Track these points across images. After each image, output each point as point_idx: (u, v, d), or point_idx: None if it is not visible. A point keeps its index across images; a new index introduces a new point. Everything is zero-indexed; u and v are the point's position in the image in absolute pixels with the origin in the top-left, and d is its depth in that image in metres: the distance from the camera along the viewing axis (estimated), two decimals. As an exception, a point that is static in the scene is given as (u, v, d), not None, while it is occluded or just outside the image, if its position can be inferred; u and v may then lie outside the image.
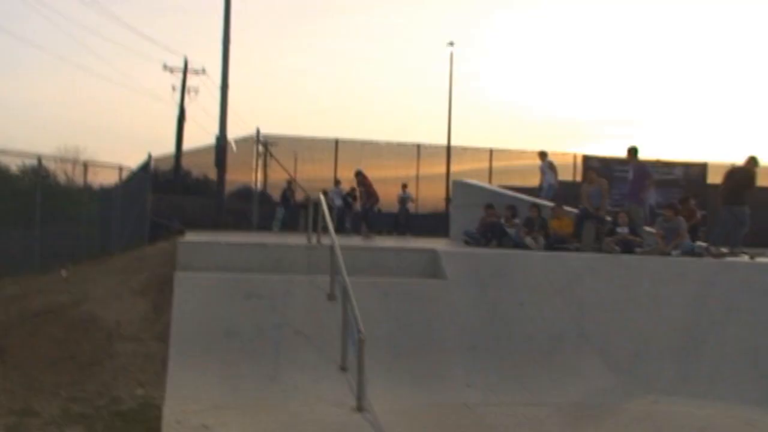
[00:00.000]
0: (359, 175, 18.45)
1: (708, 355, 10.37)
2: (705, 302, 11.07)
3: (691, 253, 12.77)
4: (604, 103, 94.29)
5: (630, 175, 14.55)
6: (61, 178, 21.70)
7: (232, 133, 24.48)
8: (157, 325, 9.25)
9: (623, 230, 13.17)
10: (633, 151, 14.65)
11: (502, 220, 14.55)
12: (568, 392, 9.27)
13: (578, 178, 24.66)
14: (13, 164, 16.50)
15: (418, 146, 27.10)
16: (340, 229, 16.21)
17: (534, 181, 24.56)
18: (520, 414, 8.45)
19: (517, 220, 14.54)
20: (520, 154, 26.61)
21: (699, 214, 15.87)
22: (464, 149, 27.85)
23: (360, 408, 7.96)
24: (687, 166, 27.15)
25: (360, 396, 8.00)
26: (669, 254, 12.63)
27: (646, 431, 8.26)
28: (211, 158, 23.28)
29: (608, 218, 14.20)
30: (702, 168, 27.16)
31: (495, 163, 27.69)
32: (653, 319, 10.82)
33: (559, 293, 10.86)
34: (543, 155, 19.58)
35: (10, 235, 15.04)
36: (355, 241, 9.36)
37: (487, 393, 9.03)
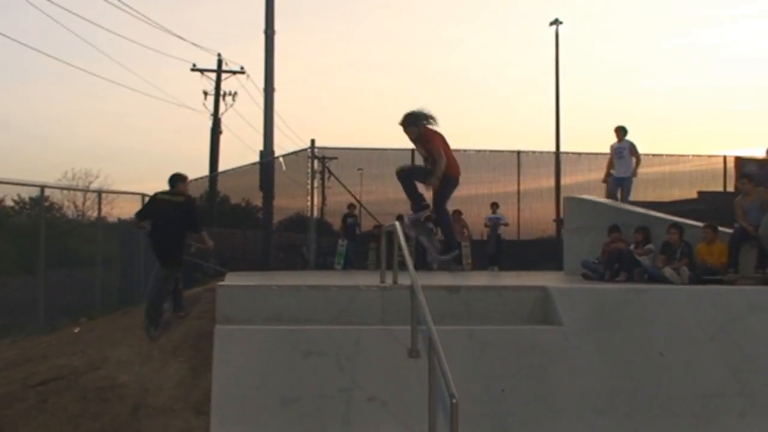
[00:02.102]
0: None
1: None
2: None
3: None
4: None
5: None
6: (70, 211, 22.33)
7: (280, 148, 24.70)
8: (194, 393, 9.39)
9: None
10: None
11: (632, 247, 14.38)
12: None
13: (730, 188, 24.21)
14: (11, 196, 17.04)
15: (518, 153, 26.95)
16: (420, 265, 16.09)
17: (677, 193, 24.15)
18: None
19: (651, 246, 14.34)
20: (653, 159, 26.31)
21: None
22: (578, 156, 27.61)
23: (454, 494, 7.90)
24: None
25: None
26: None
27: None
28: (255, 180, 23.53)
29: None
30: None
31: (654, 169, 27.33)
32: None
33: (711, 340, 10.63)
34: (623, 132, 19.31)
35: (8, 284, 15.44)
36: (442, 278, 9.35)
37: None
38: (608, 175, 19.54)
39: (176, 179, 12.73)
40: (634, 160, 19.19)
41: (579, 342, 10.35)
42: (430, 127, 12.43)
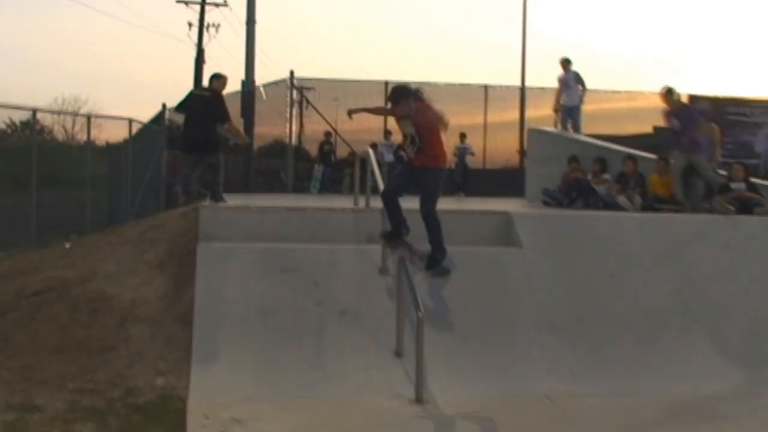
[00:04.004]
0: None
1: None
2: None
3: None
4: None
5: (674, 123, 14.30)
6: (60, 134, 22.16)
7: (261, 78, 24.54)
8: (178, 305, 9.47)
9: (739, 186, 13.04)
10: (669, 93, 14.42)
11: (590, 176, 14.50)
12: (669, 381, 9.25)
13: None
14: (3, 120, 16.89)
15: (485, 87, 26.93)
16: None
17: (628, 128, 24.32)
18: (611, 407, 8.48)
19: (607, 176, 14.48)
20: (611, 95, 26.35)
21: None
22: (542, 90, 27.54)
23: (419, 399, 8.08)
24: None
25: (419, 385, 8.12)
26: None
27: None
28: (237, 108, 23.44)
29: (720, 172, 14.05)
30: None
31: (585, 107, 27.59)
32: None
33: (659, 263, 10.80)
34: (567, 63, 19.31)
35: (2, 203, 15.40)
36: (413, 202, 9.44)
37: (571, 382, 9.06)
38: (557, 104, 19.60)
39: (212, 77, 13.38)
40: (580, 88, 19.18)
41: (536, 263, 10.49)
42: (420, 101, 9.31)
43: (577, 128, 18.87)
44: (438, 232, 9.46)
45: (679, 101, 14.71)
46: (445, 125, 9.46)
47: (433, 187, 9.32)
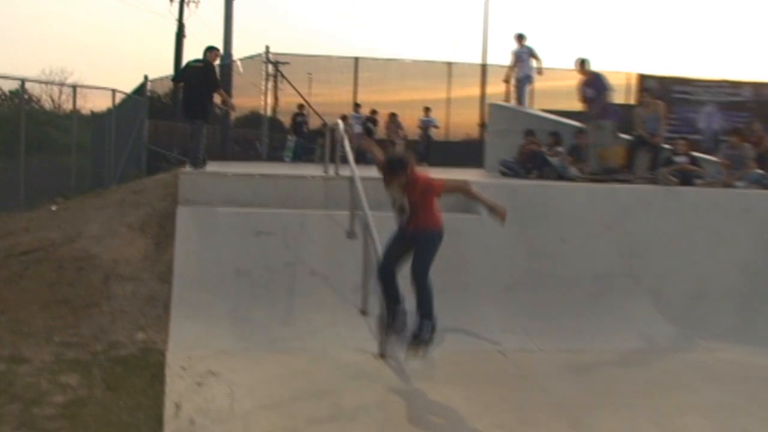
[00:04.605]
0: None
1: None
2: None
3: (759, 184, 12.74)
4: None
5: (589, 92, 14.47)
6: (47, 103, 21.90)
7: (239, 53, 24.43)
8: (158, 264, 9.46)
9: (682, 159, 13.17)
10: (583, 64, 14.60)
11: (545, 149, 14.57)
12: (614, 338, 9.42)
13: (633, 101, 24.46)
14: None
15: (449, 65, 26.94)
16: (361, 159, 16.15)
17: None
18: (560, 361, 8.62)
19: (561, 149, 14.55)
20: (566, 73, 26.36)
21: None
22: (502, 68, 27.59)
23: (382, 354, 8.16)
24: (757, 86, 26.72)
25: (382, 341, 8.18)
26: (733, 186, 12.61)
27: (702, 381, 8.37)
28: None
29: (665, 146, 14.18)
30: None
31: (538, 85, 27.60)
32: (713, 259, 10.91)
33: (606, 229, 10.93)
34: (521, 38, 19.30)
35: (-8, 168, 15.25)
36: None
37: (524, 338, 9.20)
38: (509, 75, 19.59)
39: (207, 49, 13.29)
40: (534, 61, 19.16)
41: (493, 229, 10.52)
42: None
43: (521, 100, 18.90)
44: (428, 301, 7.65)
45: (591, 71, 14.92)
46: (443, 189, 7.82)
47: (426, 251, 7.67)
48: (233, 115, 24.26)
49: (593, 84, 14.65)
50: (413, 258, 7.65)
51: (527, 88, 19.13)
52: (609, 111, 14.55)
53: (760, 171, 13.16)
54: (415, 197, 7.61)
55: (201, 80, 12.85)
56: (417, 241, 7.66)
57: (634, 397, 7.56)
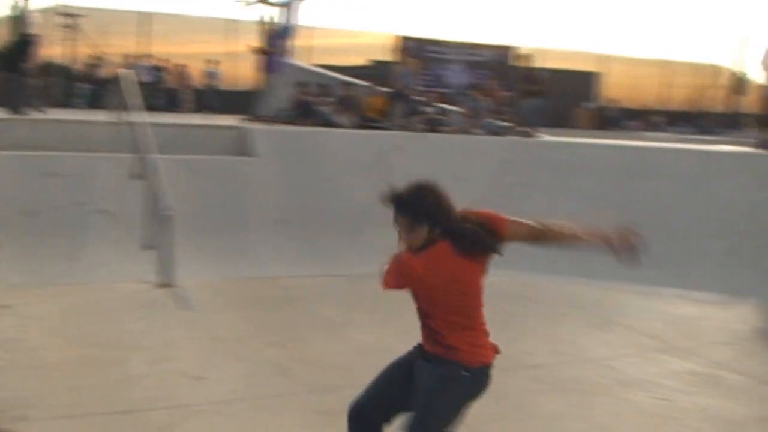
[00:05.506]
0: None
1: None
2: (503, 179, 11.78)
3: (495, 131, 13.44)
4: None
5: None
6: None
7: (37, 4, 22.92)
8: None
9: (431, 110, 13.64)
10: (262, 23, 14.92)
11: (315, 99, 14.64)
12: (368, 264, 9.71)
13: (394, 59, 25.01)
14: None
15: (234, 21, 26.42)
16: (151, 107, 15.59)
17: (353, 60, 24.65)
18: (324, 284, 8.86)
19: (330, 99, 14.66)
20: (336, 32, 26.63)
21: (503, 95, 16.64)
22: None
23: (165, 284, 8.06)
24: (493, 49, 27.96)
25: (165, 272, 8.07)
26: (473, 132, 13.23)
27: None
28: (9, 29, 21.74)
29: (418, 98, 14.61)
30: (506, 50, 28.00)
31: (316, 41, 27.63)
32: (454, 194, 11.38)
33: (366, 170, 11.16)
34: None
35: None
36: (166, 118, 9.21)
37: (293, 267, 9.35)
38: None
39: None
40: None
41: (268, 170, 10.58)
42: None
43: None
44: None
45: (272, 29, 15.11)
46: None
47: (429, 403, 3.26)
48: (31, 65, 22.75)
49: (271, 42, 14.69)
50: (413, 412, 3.30)
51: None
52: (279, 64, 14.61)
53: (495, 120, 13.89)
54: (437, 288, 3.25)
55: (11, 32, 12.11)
56: (421, 376, 3.36)
57: (385, 312, 7.86)
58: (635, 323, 8.11)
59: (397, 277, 3.25)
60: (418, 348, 3.44)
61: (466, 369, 3.24)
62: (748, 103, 27.97)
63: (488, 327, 3.37)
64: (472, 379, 3.28)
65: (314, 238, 9.99)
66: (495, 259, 3.34)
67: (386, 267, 3.27)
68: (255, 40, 15.85)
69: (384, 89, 14.93)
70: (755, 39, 54.30)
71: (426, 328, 3.37)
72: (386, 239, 10.23)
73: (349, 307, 8.08)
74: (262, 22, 14.65)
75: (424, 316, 3.36)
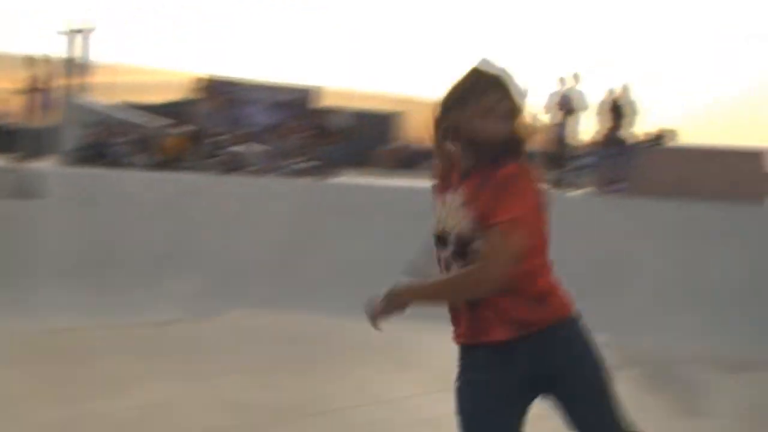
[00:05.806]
0: None
1: (301, 273, 11.14)
2: (300, 222, 11.80)
3: (295, 173, 13.51)
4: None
5: None
6: None
7: None
8: None
9: (231, 150, 13.57)
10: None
11: (109, 138, 14.21)
12: (166, 310, 9.40)
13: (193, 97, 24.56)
14: None
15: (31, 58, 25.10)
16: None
17: (155, 98, 24.19)
18: (113, 335, 8.36)
19: (126, 138, 14.27)
20: (139, 70, 25.93)
21: (303, 136, 16.79)
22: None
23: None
24: (294, 90, 27.98)
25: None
26: (273, 174, 13.25)
27: (234, 335, 8.66)
28: None
29: (220, 138, 14.49)
30: (306, 92, 27.93)
31: (119, 78, 26.94)
32: (254, 237, 11.33)
33: (166, 212, 10.86)
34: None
35: None
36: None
37: (82, 317, 8.86)
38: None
39: None
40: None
41: (57, 214, 10.05)
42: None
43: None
44: None
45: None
46: None
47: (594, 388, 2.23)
48: None
49: None
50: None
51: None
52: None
53: (294, 162, 13.96)
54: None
55: None
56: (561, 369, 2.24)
57: (178, 363, 7.60)
58: (432, 362, 8.30)
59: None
60: (502, 366, 2.23)
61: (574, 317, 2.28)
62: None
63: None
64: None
65: (108, 288, 9.53)
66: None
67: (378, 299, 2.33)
68: (25, 77, 15.16)
69: (184, 128, 14.72)
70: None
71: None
72: (185, 286, 10.02)
73: (144, 357, 7.73)
74: (35, 58, 14.00)
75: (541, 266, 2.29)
